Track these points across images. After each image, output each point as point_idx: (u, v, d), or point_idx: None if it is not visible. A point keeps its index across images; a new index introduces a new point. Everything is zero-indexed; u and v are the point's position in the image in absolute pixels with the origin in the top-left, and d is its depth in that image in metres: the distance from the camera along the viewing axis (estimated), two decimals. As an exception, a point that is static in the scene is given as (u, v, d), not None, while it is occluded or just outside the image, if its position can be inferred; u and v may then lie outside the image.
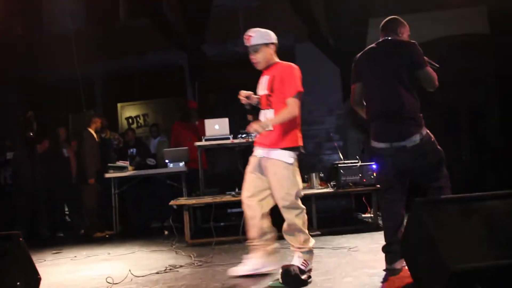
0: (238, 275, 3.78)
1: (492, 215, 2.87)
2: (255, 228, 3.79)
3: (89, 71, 9.56)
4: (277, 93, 3.65)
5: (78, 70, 8.05)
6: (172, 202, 6.08)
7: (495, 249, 2.68)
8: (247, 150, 7.35)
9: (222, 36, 9.36)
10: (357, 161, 6.20)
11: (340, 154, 7.07)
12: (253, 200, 3.77)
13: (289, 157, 3.64)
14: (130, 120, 10.59)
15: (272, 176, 3.64)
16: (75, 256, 5.53)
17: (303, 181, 6.86)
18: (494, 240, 2.71)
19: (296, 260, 3.54)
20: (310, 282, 3.35)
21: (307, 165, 9.06)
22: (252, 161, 3.83)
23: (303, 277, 3.33)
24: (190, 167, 7.43)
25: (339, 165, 6.16)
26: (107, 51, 9.43)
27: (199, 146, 6.82)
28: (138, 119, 10.58)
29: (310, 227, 6.07)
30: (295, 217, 3.64)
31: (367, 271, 3.64)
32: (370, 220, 6.52)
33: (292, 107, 3.57)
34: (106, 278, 3.86)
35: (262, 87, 3.79)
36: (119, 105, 10.62)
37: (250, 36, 3.77)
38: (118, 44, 9.55)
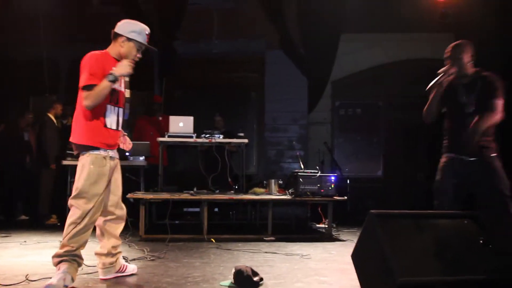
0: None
1: (442, 233, 2.99)
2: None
3: (56, 55, 9.38)
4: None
5: (44, 53, 7.88)
6: (129, 195, 6.03)
7: (442, 265, 2.79)
8: (209, 150, 7.39)
9: (195, 35, 9.36)
10: (317, 171, 6.31)
11: (301, 163, 7.18)
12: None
13: None
14: (94, 109, 10.44)
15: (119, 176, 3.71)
16: (25, 241, 5.43)
17: (262, 186, 6.98)
18: (441, 257, 2.82)
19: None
20: (261, 284, 3.40)
21: (267, 171, 9.17)
22: (105, 164, 3.55)
23: (255, 278, 3.37)
24: (150, 162, 7.39)
25: (298, 173, 6.25)
26: (75, 36, 9.25)
27: (162, 142, 6.79)
28: (101, 108, 10.44)
29: (265, 232, 6.17)
30: None
31: (318, 278, 3.72)
32: (324, 230, 6.62)
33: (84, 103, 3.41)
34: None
35: (121, 83, 3.68)
36: (83, 92, 10.45)
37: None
38: (87, 30, 9.39)
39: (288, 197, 6.25)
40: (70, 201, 3.44)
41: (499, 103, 3.69)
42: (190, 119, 6.77)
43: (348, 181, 8.69)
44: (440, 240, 2.93)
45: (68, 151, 7.37)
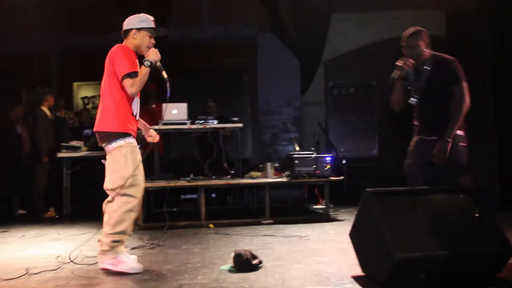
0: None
1: (437, 208, 3.02)
2: None
3: (46, 46, 9.30)
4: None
5: (35, 45, 7.81)
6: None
7: (438, 240, 2.82)
8: (204, 136, 7.39)
9: (186, 20, 9.28)
10: (312, 152, 6.33)
11: (296, 145, 7.19)
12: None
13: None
14: (86, 101, 10.38)
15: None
16: (23, 235, 5.43)
17: (258, 170, 7.00)
18: (437, 232, 2.86)
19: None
20: (261, 267, 3.43)
21: (262, 155, 9.18)
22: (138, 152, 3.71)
23: (255, 261, 3.40)
24: (145, 151, 7.38)
25: (294, 155, 6.27)
26: (66, 26, 9.18)
27: (156, 130, 6.74)
28: (94, 99, 10.39)
29: (263, 215, 6.20)
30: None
31: (317, 258, 3.75)
32: (321, 211, 6.66)
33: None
34: (56, 257, 3.83)
35: None
36: (75, 84, 10.38)
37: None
38: (78, 20, 9.30)
39: (285, 180, 6.28)
40: (122, 191, 3.50)
41: (464, 85, 3.66)
42: (184, 105, 6.75)
43: (344, 161, 8.72)
44: (436, 216, 2.96)
45: (62, 144, 7.37)
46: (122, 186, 3.48)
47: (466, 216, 3.02)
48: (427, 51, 3.79)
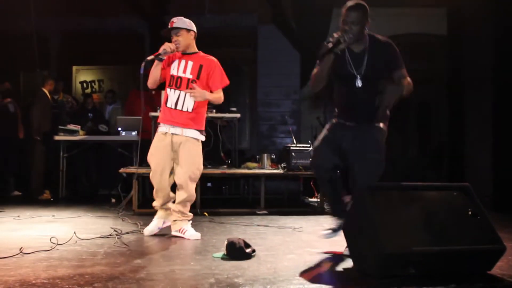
0: (151, 234, 4.33)
1: (430, 205, 3.04)
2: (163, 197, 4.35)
3: (46, 28, 9.26)
4: (203, 82, 4.20)
5: (34, 27, 7.77)
6: (122, 170, 6.06)
7: (430, 236, 2.84)
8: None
9: (186, 9, 9.23)
10: (309, 145, 6.34)
11: (293, 138, 7.21)
12: (165, 174, 4.26)
13: (200, 135, 4.27)
14: (85, 85, 10.37)
15: (187, 152, 4.17)
16: (18, 216, 5.44)
17: (255, 161, 7.02)
18: (429, 228, 2.88)
19: (184, 223, 4.24)
20: (254, 256, 3.45)
21: (259, 146, 9.19)
22: (163, 137, 4.24)
23: (248, 250, 3.42)
24: (142, 137, 7.37)
25: (291, 148, 6.29)
26: (65, 9, 9.13)
27: (154, 116, 6.78)
28: (93, 84, 10.38)
29: (258, 206, 6.22)
30: (194, 191, 4.30)
31: (310, 250, 3.78)
32: (316, 204, 6.69)
33: (220, 97, 4.28)
34: (50, 239, 3.84)
35: (185, 71, 4.21)
36: (74, 68, 10.37)
37: (173, 21, 4.25)
38: (78, 3, 9.26)
39: (281, 172, 6.30)
40: None
41: (405, 72, 3.42)
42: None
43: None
44: (429, 212, 2.98)
45: (60, 127, 7.37)
46: None
47: (459, 213, 3.04)
48: (367, 30, 3.48)
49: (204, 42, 9.47)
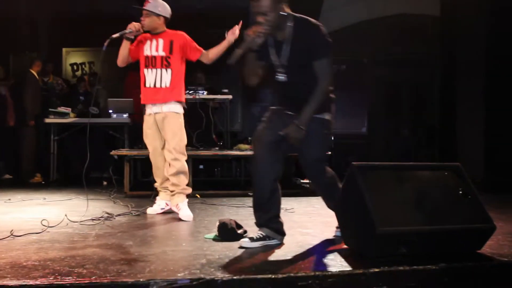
0: (155, 213, 4.50)
1: (422, 184, 3.04)
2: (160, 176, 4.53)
3: (35, 10, 9.14)
4: (177, 56, 4.35)
5: (24, 8, 7.68)
6: (113, 152, 6.03)
7: (421, 215, 2.85)
8: (193, 107, 7.35)
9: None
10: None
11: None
12: (156, 152, 4.50)
13: (180, 108, 4.39)
14: (75, 67, 10.27)
15: (168, 127, 4.32)
16: (9, 199, 5.42)
17: (247, 143, 7.00)
18: (421, 207, 2.88)
19: (180, 199, 4.32)
20: (245, 236, 3.44)
21: (253, 127, 9.16)
22: (147, 118, 4.46)
23: (239, 231, 3.42)
24: (134, 120, 7.34)
25: (283, 129, 6.25)
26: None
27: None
28: (83, 66, 10.28)
29: (250, 188, 6.21)
30: (184, 162, 4.37)
31: (301, 230, 3.79)
32: (308, 185, 6.70)
33: (219, 51, 4.58)
34: (41, 221, 3.83)
35: (157, 49, 4.35)
36: (64, 50, 10.26)
37: (148, 2, 4.39)
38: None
39: (273, 153, 6.27)
40: None
41: (327, 61, 3.09)
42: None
43: (332, 138, 8.72)
44: (420, 191, 2.98)
45: (50, 109, 7.31)
46: None
47: (450, 193, 3.04)
48: (286, 15, 3.08)
49: (196, 23, 9.48)
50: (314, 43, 3.04)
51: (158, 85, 4.33)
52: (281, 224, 3.31)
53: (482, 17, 7.26)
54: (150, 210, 4.56)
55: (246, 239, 3.16)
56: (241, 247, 3.08)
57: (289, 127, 3.07)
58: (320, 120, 3.19)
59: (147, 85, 4.37)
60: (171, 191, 4.39)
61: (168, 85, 4.33)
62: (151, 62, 4.35)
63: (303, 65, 3.07)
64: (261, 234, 3.20)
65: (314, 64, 3.04)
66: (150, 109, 4.41)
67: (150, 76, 4.35)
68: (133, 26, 4.28)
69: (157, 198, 4.65)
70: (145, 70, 4.37)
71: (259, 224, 3.28)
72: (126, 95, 7.82)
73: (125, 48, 4.40)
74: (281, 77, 3.17)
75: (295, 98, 3.15)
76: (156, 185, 4.62)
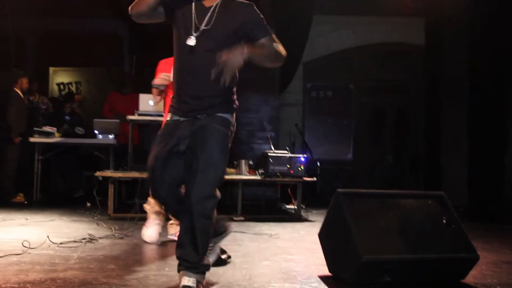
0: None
1: (406, 212, 3.06)
2: None
3: (22, 28, 9.12)
4: None
5: (11, 26, 7.64)
6: (98, 173, 5.97)
7: (405, 244, 2.86)
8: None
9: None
10: (286, 152, 6.35)
11: (271, 145, 7.20)
12: None
13: None
14: (62, 86, 10.23)
15: None
16: (-10, 219, 5.33)
17: (232, 167, 6.98)
18: (405, 236, 2.90)
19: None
20: (229, 262, 3.43)
21: (238, 152, 9.16)
22: None
23: (223, 256, 3.40)
24: (120, 141, 7.30)
25: (268, 154, 6.27)
26: (43, 9, 8.97)
27: (131, 120, 6.71)
28: (70, 86, 10.24)
29: (235, 212, 6.19)
30: None
31: (285, 256, 3.77)
32: (293, 211, 6.69)
33: None
34: (22, 242, 3.76)
35: None
36: (51, 69, 10.23)
37: None
38: (56, 3, 9.12)
39: (258, 178, 6.28)
40: None
41: (276, 38, 2.80)
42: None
43: (318, 164, 8.78)
44: (404, 220, 3.00)
45: (35, 128, 7.24)
46: None
47: (434, 222, 3.07)
48: None
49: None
50: (257, 20, 2.78)
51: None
52: None
53: (465, 46, 7.38)
54: (149, 238, 4.24)
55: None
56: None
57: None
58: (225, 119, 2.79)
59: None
60: (171, 223, 4.33)
61: None
62: None
63: (224, 39, 2.71)
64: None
65: (263, 40, 2.77)
66: (170, 116, 4.07)
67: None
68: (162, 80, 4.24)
69: (150, 221, 4.37)
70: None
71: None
72: (106, 116, 7.80)
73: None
74: (192, 38, 2.69)
75: (203, 80, 2.71)
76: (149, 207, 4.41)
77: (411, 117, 9.90)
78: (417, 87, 9.51)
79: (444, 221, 3.06)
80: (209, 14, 2.69)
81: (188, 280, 2.58)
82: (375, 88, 9.96)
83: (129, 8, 2.76)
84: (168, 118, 2.86)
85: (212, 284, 2.80)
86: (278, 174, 6.16)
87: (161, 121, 6.68)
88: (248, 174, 6.55)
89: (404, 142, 9.93)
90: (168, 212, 2.89)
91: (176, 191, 2.74)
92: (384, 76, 9.83)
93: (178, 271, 2.68)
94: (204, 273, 2.68)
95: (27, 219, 5.44)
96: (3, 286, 2.61)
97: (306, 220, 6.12)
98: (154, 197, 2.80)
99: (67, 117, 7.97)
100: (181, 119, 2.76)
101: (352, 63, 9.84)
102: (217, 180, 2.65)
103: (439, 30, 8.06)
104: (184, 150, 2.70)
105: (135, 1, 2.74)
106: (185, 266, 2.64)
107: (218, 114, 2.74)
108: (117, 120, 7.28)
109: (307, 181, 6.27)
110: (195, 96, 2.71)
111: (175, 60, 2.81)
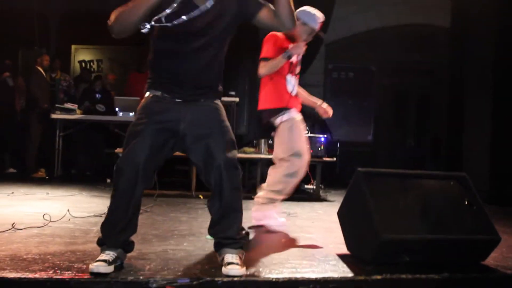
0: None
1: (427, 193, 3.02)
2: None
3: (46, 6, 9.17)
4: None
5: (35, 3, 7.69)
6: (118, 150, 6.01)
7: (425, 224, 2.83)
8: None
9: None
10: (306, 132, 6.30)
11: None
12: None
13: None
14: (83, 64, 10.29)
15: None
16: (12, 193, 5.43)
17: (252, 146, 6.98)
18: (425, 216, 2.86)
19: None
20: (247, 239, 3.42)
21: (257, 131, 9.14)
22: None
23: (242, 233, 3.39)
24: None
25: (288, 134, 6.23)
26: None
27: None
28: (91, 64, 10.30)
29: (254, 191, 6.19)
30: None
31: (303, 235, 3.77)
32: (312, 191, 6.67)
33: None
34: (43, 215, 3.82)
35: (298, 56, 4.15)
36: (73, 46, 10.29)
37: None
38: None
39: (277, 157, 6.25)
40: (286, 158, 3.91)
41: None
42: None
43: (338, 145, 8.72)
44: (425, 200, 2.96)
45: (57, 105, 7.32)
46: (288, 155, 3.88)
47: (455, 203, 3.02)
48: None
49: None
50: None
51: (294, 93, 4.11)
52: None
53: (491, 31, 7.22)
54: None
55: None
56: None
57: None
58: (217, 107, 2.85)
59: (289, 90, 4.07)
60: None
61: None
62: (293, 68, 4.13)
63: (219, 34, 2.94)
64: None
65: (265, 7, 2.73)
66: (298, 115, 4.11)
67: (292, 83, 4.11)
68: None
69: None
70: (288, 75, 4.09)
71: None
72: (127, 95, 7.82)
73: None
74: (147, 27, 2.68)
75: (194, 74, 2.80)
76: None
77: (434, 100, 9.74)
78: (441, 70, 9.34)
79: (466, 203, 3.01)
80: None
81: (232, 257, 2.59)
82: (397, 70, 9.81)
83: (109, 21, 2.57)
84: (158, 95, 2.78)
85: (230, 259, 2.79)
86: (298, 153, 6.12)
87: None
88: (267, 153, 6.54)
89: (426, 125, 9.80)
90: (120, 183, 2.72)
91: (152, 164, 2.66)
92: (407, 58, 9.66)
93: (216, 251, 2.73)
94: (242, 248, 2.75)
95: (48, 193, 5.52)
96: (25, 256, 2.65)
97: (324, 200, 6.11)
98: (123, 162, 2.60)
99: (97, 95, 8.00)
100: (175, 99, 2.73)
101: (375, 44, 9.69)
102: (234, 141, 2.72)
103: (466, 12, 7.88)
104: (177, 130, 2.68)
105: (117, 14, 2.56)
106: (225, 243, 2.69)
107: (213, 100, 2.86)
108: (138, 98, 7.30)
109: (326, 161, 6.24)
110: (190, 81, 2.73)
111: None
